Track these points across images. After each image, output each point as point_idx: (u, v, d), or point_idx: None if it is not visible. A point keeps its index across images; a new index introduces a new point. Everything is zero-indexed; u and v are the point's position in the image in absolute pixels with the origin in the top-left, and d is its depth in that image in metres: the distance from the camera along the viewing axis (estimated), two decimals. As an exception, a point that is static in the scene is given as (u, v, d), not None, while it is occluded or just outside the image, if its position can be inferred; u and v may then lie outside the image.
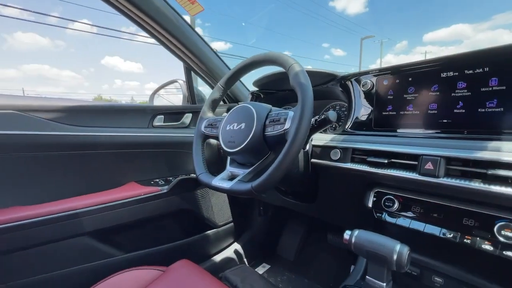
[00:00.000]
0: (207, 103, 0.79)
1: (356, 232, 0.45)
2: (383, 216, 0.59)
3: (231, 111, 0.70)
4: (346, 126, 0.71)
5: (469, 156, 0.44)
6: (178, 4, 0.84)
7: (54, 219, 0.72)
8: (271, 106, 0.66)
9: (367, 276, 0.42)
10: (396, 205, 0.56)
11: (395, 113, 0.61)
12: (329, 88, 0.81)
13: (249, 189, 0.56)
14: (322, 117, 0.61)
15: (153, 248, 0.92)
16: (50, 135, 0.74)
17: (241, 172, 0.65)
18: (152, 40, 0.93)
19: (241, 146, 0.61)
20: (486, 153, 0.42)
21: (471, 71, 0.49)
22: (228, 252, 1.18)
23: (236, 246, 1.23)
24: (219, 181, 0.65)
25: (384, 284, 0.41)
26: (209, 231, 1.09)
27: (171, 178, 0.98)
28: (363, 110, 0.68)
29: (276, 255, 1.36)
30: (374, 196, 0.61)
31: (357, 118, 0.69)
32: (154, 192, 0.91)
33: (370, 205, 0.61)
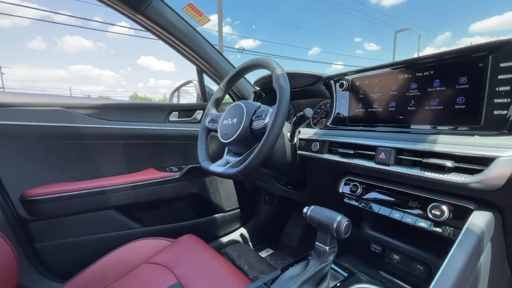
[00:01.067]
0: (211, 101, 0.92)
1: (312, 207, 0.55)
2: (350, 200, 0.68)
3: (228, 108, 0.82)
4: (328, 122, 0.80)
5: (411, 147, 0.51)
6: (189, 16, 0.97)
7: (89, 194, 0.91)
8: (259, 104, 0.77)
9: (316, 242, 0.52)
10: (360, 190, 0.64)
11: (364, 110, 0.69)
12: (318, 87, 0.90)
13: (235, 172, 0.68)
14: (300, 113, 0.71)
15: (166, 224, 1.08)
16: (87, 127, 0.93)
17: (233, 159, 0.77)
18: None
19: (233, 138, 0.73)
20: (424, 145, 0.50)
21: (420, 74, 0.56)
22: (234, 235, 1.31)
23: (242, 230, 1.35)
24: (214, 167, 0.78)
25: (327, 247, 0.50)
26: (216, 215, 1.23)
27: (183, 166, 1.13)
28: (341, 108, 0.76)
29: (281, 242, 1.46)
30: (344, 183, 0.70)
31: (337, 114, 0.78)
32: (168, 177, 1.07)
33: (340, 190, 0.70)
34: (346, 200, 0.69)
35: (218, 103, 0.93)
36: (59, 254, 0.89)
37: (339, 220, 0.49)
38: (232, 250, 1.02)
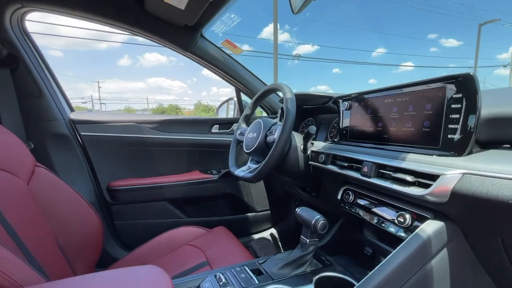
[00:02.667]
0: (241, 117, 1.12)
1: (302, 208, 0.68)
2: (344, 206, 0.78)
3: (252, 124, 1.01)
4: (336, 137, 0.91)
5: (387, 163, 0.60)
6: (227, 49, 1.21)
7: (150, 187, 1.20)
8: (276, 121, 0.94)
9: (301, 235, 0.65)
10: (351, 197, 0.74)
11: (360, 128, 0.78)
12: (332, 106, 1.01)
13: (250, 177, 0.86)
14: (306, 130, 0.85)
15: (205, 217, 1.32)
16: (151, 137, 1.24)
17: (253, 166, 0.95)
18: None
19: (252, 149, 0.91)
20: (396, 161, 0.58)
21: (399, 99, 0.64)
22: (264, 234, 1.48)
23: (272, 231, 1.51)
24: (238, 171, 0.97)
25: (308, 240, 0.63)
26: (249, 214, 1.42)
27: (221, 170, 1.36)
28: (345, 125, 0.86)
29: None
30: (342, 191, 0.80)
31: (342, 130, 0.88)
32: (209, 178, 1.31)
33: (338, 197, 0.80)
34: (342, 205, 0.79)
35: (247, 118, 1.12)
36: (128, 230, 1.21)
37: (316, 219, 0.61)
38: (256, 243, 1.19)
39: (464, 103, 0.50)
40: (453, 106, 0.52)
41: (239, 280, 0.59)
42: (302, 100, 1.11)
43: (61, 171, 1.04)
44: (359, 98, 0.79)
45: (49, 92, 1.03)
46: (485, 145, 0.54)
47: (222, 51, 1.23)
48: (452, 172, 0.47)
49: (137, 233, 1.20)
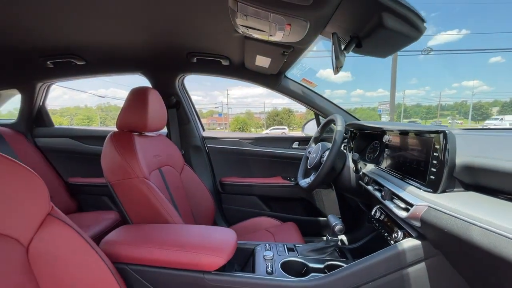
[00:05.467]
0: (312, 139, 1.43)
1: (331, 215, 0.94)
2: (373, 220, 0.96)
3: (315, 146, 1.30)
4: (380, 163, 1.08)
5: (395, 191, 0.78)
6: (305, 83, 1.54)
7: (245, 185, 1.70)
8: (330, 145, 1.20)
9: (326, 234, 0.91)
10: (378, 214, 0.92)
11: (389, 159, 0.94)
12: None
13: (305, 187, 1.17)
14: (352, 156, 1.08)
15: (281, 213, 1.69)
16: (248, 150, 1.74)
17: (311, 179, 1.25)
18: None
19: (311, 166, 1.23)
20: (400, 190, 0.76)
21: (411, 140, 0.79)
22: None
23: (343, 237, 1.70)
24: (301, 181, 1.30)
25: (329, 237, 0.88)
26: (319, 218, 1.69)
27: (298, 178, 1.69)
28: (384, 155, 1.03)
29: None
30: (375, 209, 0.98)
31: (382, 158, 1.05)
32: (288, 184, 1.68)
33: (372, 213, 0.98)
34: (371, 219, 0.98)
35: (316, 140, 1.42)
36: (229, 212, 1.76)
37: (335, 224, 0.88)
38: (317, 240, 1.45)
39: (440, 153, 0.65)
40: (434, 154, 0.67)
41: (277, 250, 0.93)
42: (362, 127, 1.29)
43: (196, 169, 1.68)
44: (391, 134, 0.95)
45: (192, 120, 1.71)
46: (469, 187, 0.65)
47: (302, 85, 1.57)
48: (421, 204, 0.65)
49: (236, 215, 1.72)
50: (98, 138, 1.74)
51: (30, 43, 1.23)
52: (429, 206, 0.62)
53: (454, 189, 0.65)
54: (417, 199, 0.66)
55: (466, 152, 0.63)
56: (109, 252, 0.74)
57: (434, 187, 0.66)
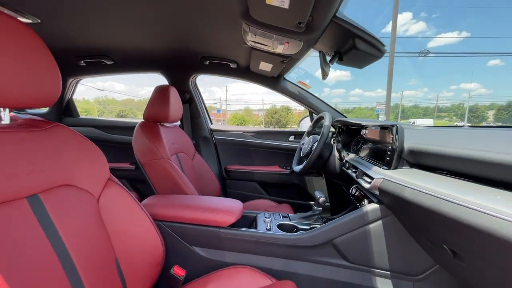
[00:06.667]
0: (305, 133, 1.68)
1: (318, 191, 1.19)
2: (350, 196, 1.21)
3: (307, 138, 1.56)
4: (358, 152, 1.33)
5: (364, 171, 1.03)
6: (300, 85, 1.79)
7: (246, 172, 1.95)
8: (319, 137, 1.45)
9: (313, 205, 1.17)
10: (355, 192, 1.17)
11: (365, 147, 1.20)
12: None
13: (298, 171, 1.43)
14: (337, 146, 1.34)
15: (278, 197, 1.95)
16: (250, 141, 1.99)
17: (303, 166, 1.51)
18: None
19: (304, 154, 1.48)
20: (368, 170, 1.01)
21: (377, 130, 1.04)
22: (323, 219, 1.95)
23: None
24: (295, 168, 1.55)
25: (315, 207, 1.14)
26: (310, 201, 1.95)
27: (293, 167, 1.95)
28: (363, 146, 1.28)
29: None
30: (354, 188, 1.23)
31: (363, 149, 1.30)
32: (284, 172, 1.93)
33: (350, 191, 1.24)
34: (350, 196, 1.23)
35: (309, 134, 1.68)
36: (233, 196, 2.00)
37: (319, 196, 1.13)
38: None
39: (393, 141, 0.90)
40: (390, 141, 0.92)
41: (274, 217, 1.19)
42: (349, 123, 1.55)
43: (205, 157, 1.93)
44: (369, 129, 1.21)
45: (202, 115, 1.95)
46: (413, 165, 0.90)
47: (298, 86, 1.81)
48: (379, 177, 0.90)
49: (238, 198, 1.95)
50: (118, 128, 1.98)
51: (67, 45, 1.46)
52: (384, 178, 0.88)
53: (403, 167, 0.91)
54: (377, 174, 0.92)
55: (411, 141, 0.88)
56: (148, 211, 0.99)
57: (389, 166, 0.91)
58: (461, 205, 0.53)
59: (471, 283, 0.73)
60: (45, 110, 1.95)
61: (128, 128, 2.01)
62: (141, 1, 0.96)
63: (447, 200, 0.57)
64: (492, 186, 0.57)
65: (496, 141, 0.75)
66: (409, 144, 0.88)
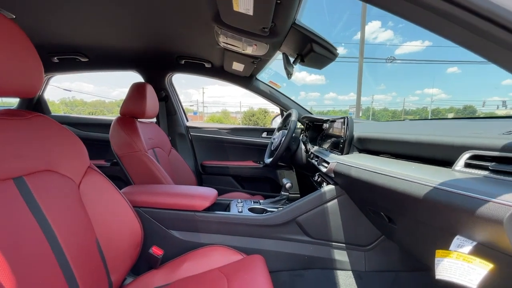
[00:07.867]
0: (276, 129, 1.82)
1: (286, 178, 1.32)
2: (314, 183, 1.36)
3: (277, 133, 1.69)
4: (322, 144, 1.49)
5: (323, 157, 1.19)
6: (271, 85, 1.93)
7: (223, 167, 2.05)
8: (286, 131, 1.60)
9: (281, 191, 1.30)
10: (317, 178, 1.32)
11: (327, 139, 1.35)
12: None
13: (268, 163, 1.56)
14: (304, 140, 1.49)
15: (251, 190, 2.07)
16: (226, 138, 2.09)
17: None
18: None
19: (273, 148, 1.61)
20: (326, 156, 1.16)
21: (335, 125, 1.20)
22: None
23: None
24: (267, 160, 1.68)
25: (282, 192, 1.27)
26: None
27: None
28: (326, 139, 1.44)
29: None
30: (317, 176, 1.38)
31: (325, 141, 1.46)
32: (257, 166, 2.06)
33: (314, 178, 1.39)
34: (314, 183, 1.38)
35: (279, 130, 1.81)
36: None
37: (286, 182, 1.26)
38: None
39: (344, 130, 1.06)
40: (342, 131, 1.08)
41: (245, 203, 1.30)
42: (314, 119, 1.71)
43: (181, 153, 1.99)
44: (329, 123, 1.37)
45: (178, 112, 2.02)
46: (362, 151, 1.06)
47: (269, 86, 1.95)
48: (333, 161, 1.05)
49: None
50: (91, 125, 1.99)
51: (40, 41, 1.47)
52: (337, 162, 1.03)
53: (354, 153, 1.07)
54: (333, 160, 1.07)
55: (359, 130, 1.04)
56: (127, 198, 1.06)
57: (342, 152, 1.07)
58: (386, 175, 0.68)
59: (403, 244, 0.90)
60: (13, 107, 1.90)
61: (102, 125, 2.02)
62: (114, 0, 1.02)
63: (377, 173, 0.72)
64: (411, 160, 0.73)
65: (422, 128, 0.92)
66: (358, 133, 1.04)
